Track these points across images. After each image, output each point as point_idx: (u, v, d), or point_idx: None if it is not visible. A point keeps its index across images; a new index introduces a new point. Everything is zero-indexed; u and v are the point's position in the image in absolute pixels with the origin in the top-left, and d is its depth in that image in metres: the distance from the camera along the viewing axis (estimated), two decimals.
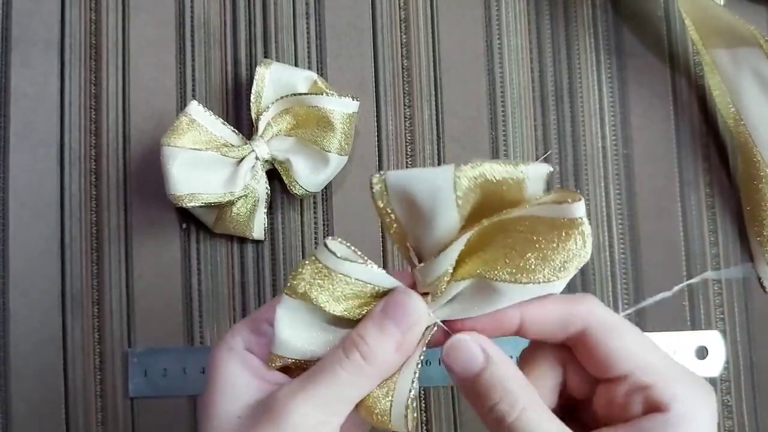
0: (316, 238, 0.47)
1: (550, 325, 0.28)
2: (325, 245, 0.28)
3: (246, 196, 0.45)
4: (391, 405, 0.28)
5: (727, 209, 0.48)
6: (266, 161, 0.45)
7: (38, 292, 0.47)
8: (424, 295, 0.28)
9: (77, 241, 0.47)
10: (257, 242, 0.47)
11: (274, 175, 0.46)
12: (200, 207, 0.44)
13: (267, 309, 0.30)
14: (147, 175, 0.47)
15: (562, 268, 0.26)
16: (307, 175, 0.45)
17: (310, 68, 0.48)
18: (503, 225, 0.27)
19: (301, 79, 0.45)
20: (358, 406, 0.28)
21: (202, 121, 0.44)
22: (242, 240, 0.47)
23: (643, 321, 0.46)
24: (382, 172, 0.26)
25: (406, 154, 0.48)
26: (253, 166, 0.45)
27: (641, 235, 0.47)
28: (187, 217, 0.47)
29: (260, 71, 0.45)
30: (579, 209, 0.26)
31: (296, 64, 0.48)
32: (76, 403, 0.46)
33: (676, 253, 0.47)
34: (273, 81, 0.45)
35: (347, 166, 0.46)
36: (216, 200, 0.43)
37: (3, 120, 0.48)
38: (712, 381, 0.46)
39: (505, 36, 0.49)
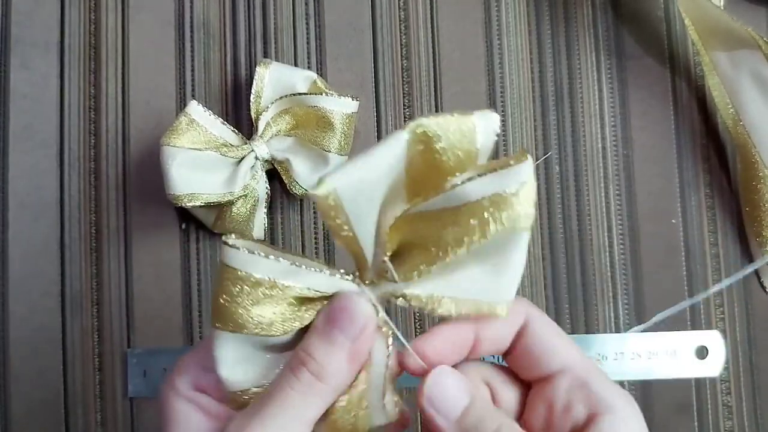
0: (315, 238, 0.47)
1: (500, 330, 0.27)
2: (230, 245, 0.25)
3: (246, 196, 0.45)
4: (356, 418, 0.26)
5: (727, 210, 0.48)
6: (266, 161, 0.45)
7: (38, 293, 0.46)
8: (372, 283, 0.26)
9: (77, 241, 0.47)
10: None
11: (274, 175, 0.46)
12: (200, 207, 0.44)
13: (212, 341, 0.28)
14: (146, 176, 0.47)
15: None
16: (307, 175, 0.45)
17: (309, 68, 0.48)
18: (432, 216, 0.25)
19: (301, 79, 0.45)
20: (319, 424, 0.26)
21: (202, 121, 0.44)
22: None
23: (643, 321, 0.46)
24: (327, 181, 0.23)
25: None
26: (253, 166, 0.45)
27: (641, 236, 0.47)
28: (186, 217, 0.47)
29: (260, 71, 0.45)
30: (525, 170, 0.24)
31: (296, 64, 0.48)
32: (75, 403, 0.46)
33: (676, 254, 0.47)
34: (272, 81, 0.45)
35: None
36: (216, 200, 0.43)
37: (2, 121, 0.48)
38: (712, 381, 0.46)
39: (505, 36, 0.49)
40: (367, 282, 0.26)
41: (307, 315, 0.26)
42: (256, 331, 0.25)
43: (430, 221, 0.25)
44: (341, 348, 0.25)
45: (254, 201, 0.45)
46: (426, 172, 0.24)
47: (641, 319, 0.46)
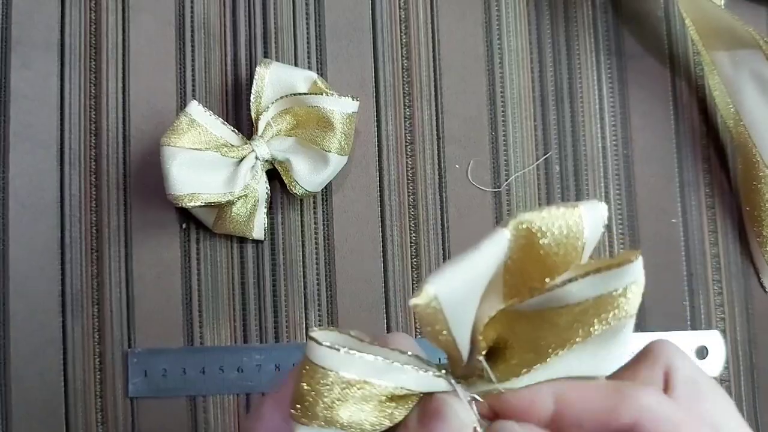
0: (316, 239, 0.47)
1: (589, 415, 0.23)
2: (316, 341, 0.23)
3: (246, 196, 0.45)
4: None
5: (727, 210, 0.48)
6: (266, 161, 0.45)
7: (38, 293, 0.47)
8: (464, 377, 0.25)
9: (77, 241, 0.47)
10: (257, 242, 0.47)
11: (274, 175, 0.46)
12: (200, 207, 0.44)
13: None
14: (147, 175, 0.47)
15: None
16: (307, 175, 0.45)
17: (310, 68, 0.48)
18: (536, 314, 0.23)
19: (301, 79, 0.45)
20: None
21: (202, 121, 0.44)
22: (242, 240, 0.47)
23: (643, 321, 0.46)
24: (427, 288, 0.21)
25: (406, 154, 0.48)
26: (253, 166, 0.45)
27: (641, 236, 0.47)
28: (186, 217, 0.47)
29: (260, 71, 0.45)
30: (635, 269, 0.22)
31: (296, 64, 0.48)
32: (75, 403, 0.46)
33: (676, 254, 0.47)
34: (273, 81, 0.45)
35: (347, 166, 0.46)
36: (216, 200, 0.43)
37: (3, 120, 0.48)
38: None
39: (505, 36, 0.49)
40: (459, 381, 0.25)
41: (397, 412, 0.25)
42: (344, 429, 0.24)
43: (527, 320, 0.23)
44: None
45: (254, 201, 0.45)
46: (527, 268, 0.23)
47: (642, 320, 0.46)
